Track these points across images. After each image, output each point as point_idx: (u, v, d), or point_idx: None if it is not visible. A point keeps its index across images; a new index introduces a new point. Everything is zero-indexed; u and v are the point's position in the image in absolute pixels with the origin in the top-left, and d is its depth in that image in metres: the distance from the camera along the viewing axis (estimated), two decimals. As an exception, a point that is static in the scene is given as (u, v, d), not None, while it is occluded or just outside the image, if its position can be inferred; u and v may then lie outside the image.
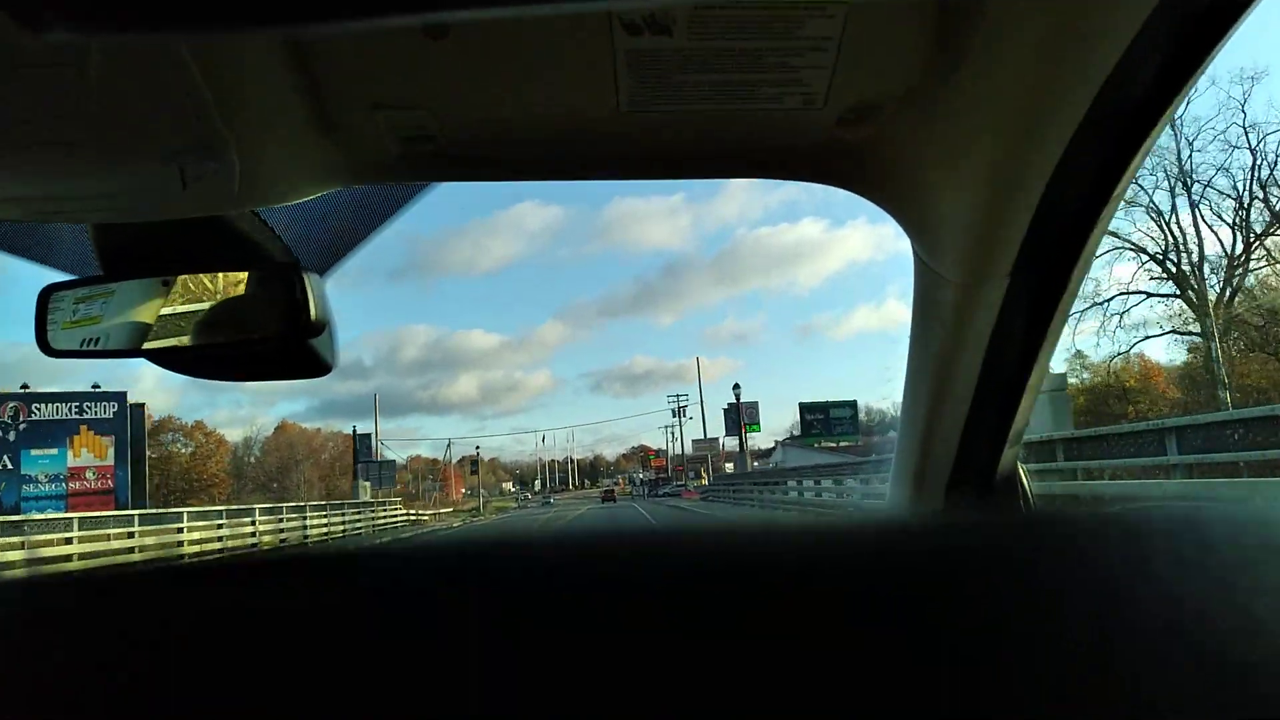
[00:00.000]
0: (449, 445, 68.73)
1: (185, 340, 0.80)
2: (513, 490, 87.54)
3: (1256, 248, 20.98)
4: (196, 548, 14.96)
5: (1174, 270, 21.51)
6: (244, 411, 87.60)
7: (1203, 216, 21.13)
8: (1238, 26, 0.50)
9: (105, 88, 0.50)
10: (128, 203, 0.63)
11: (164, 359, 0.82)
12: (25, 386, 19.35)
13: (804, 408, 40.30)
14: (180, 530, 15.04)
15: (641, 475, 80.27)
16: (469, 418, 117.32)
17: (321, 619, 0.31)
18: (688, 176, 0.72)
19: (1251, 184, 20.62)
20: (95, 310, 0.79)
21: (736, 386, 40.68)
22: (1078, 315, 21.24)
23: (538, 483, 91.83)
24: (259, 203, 0.68)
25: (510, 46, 0.56)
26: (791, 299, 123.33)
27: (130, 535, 13.84)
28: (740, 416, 39.73)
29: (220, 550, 15.12)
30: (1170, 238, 21.54)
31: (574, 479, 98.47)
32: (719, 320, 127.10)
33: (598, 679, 0.27)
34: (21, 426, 18.68)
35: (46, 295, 0.78)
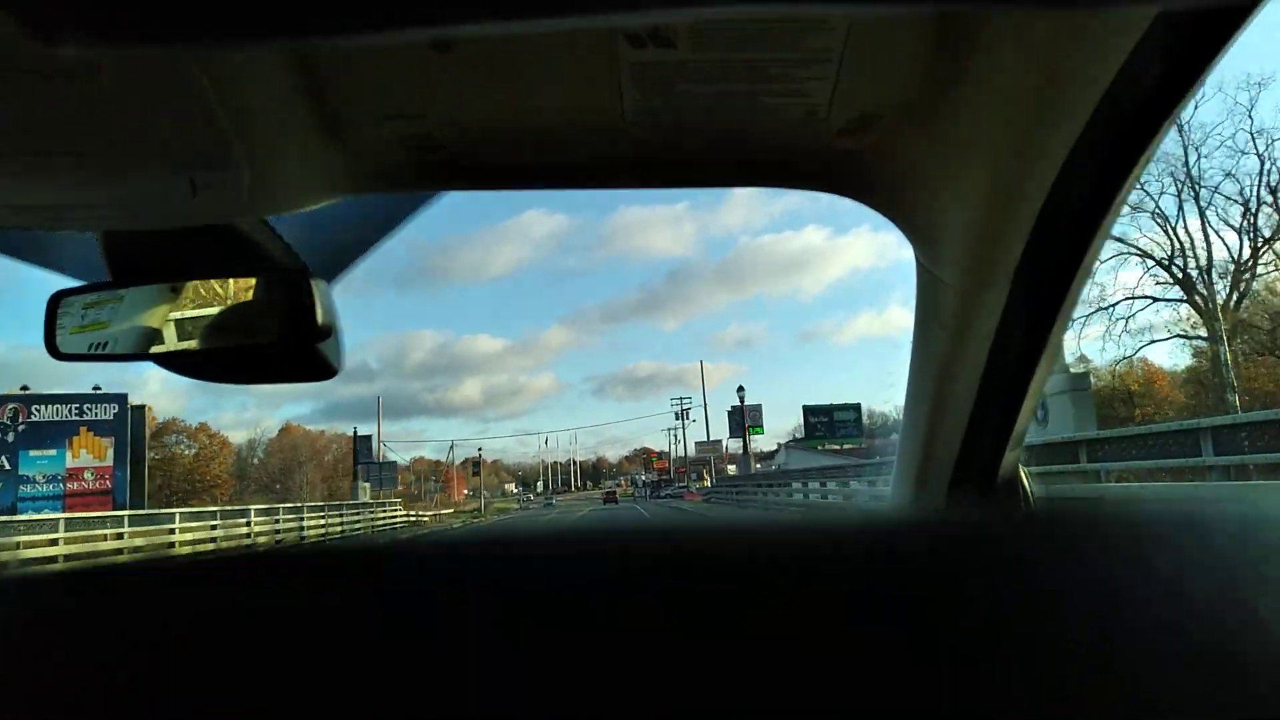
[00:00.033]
0: (451, 447, 68.88)
1: (193, 344, 0.81)
2: (515, 492, 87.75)
3: (1265, 252, 20.96)
4: (189, 549, 14.49)
5: (1180, 275, 21.51)
6: (249, 414, 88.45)
7: (1209, 222, 21.12)
8: (1238, 36, 0.50)
9: (115, 98, 0.51)
10: (137, 211, 0.64)
11: (171, 362, 0.83)
12: (25, 388, 19.42)
13: (808, 410, 40.28)
14: (172, 530, 14.98)
15: (644, 477, 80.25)
16: (473, 420, 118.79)
17: (322, 618, 0.31)
18: (691, 185, 0.73)
19: (1259, 189, 20.64)
20: (104, 315, 0.80)
21: (741, 389, 40.66)
22: (1083, 319, 21.26)
23: (540, 484, 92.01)
24: (267, 211, 0.69)
25: (516, 58, 0.57)
26: (795, 305, 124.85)
27: (119, 535, 13.77)
28: (744, 419, 39.71)
29: (214, 552, 15.01)
30: (1176, 243, 21.56)
31: (576, 481, 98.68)
32: (723, 326, 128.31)
33: (598, 679, 0.27)
34: (21, 428, 18.71)
35: (56, 301, 0.79)
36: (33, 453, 18.76)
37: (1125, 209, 0.62)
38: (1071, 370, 12.68)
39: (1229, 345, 19.57)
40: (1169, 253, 21.62)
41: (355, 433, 35.70)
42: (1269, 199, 20.50)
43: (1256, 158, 20.58)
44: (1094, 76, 0.52)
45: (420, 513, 35.67)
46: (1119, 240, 21.11)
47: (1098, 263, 0.70)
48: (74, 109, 0.51)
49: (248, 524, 17.37)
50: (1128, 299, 21.97)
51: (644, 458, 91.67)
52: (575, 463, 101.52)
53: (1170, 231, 21.63)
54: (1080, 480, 9.40)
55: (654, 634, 0.29)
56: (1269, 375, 21.12)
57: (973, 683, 0.27)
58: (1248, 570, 0.32)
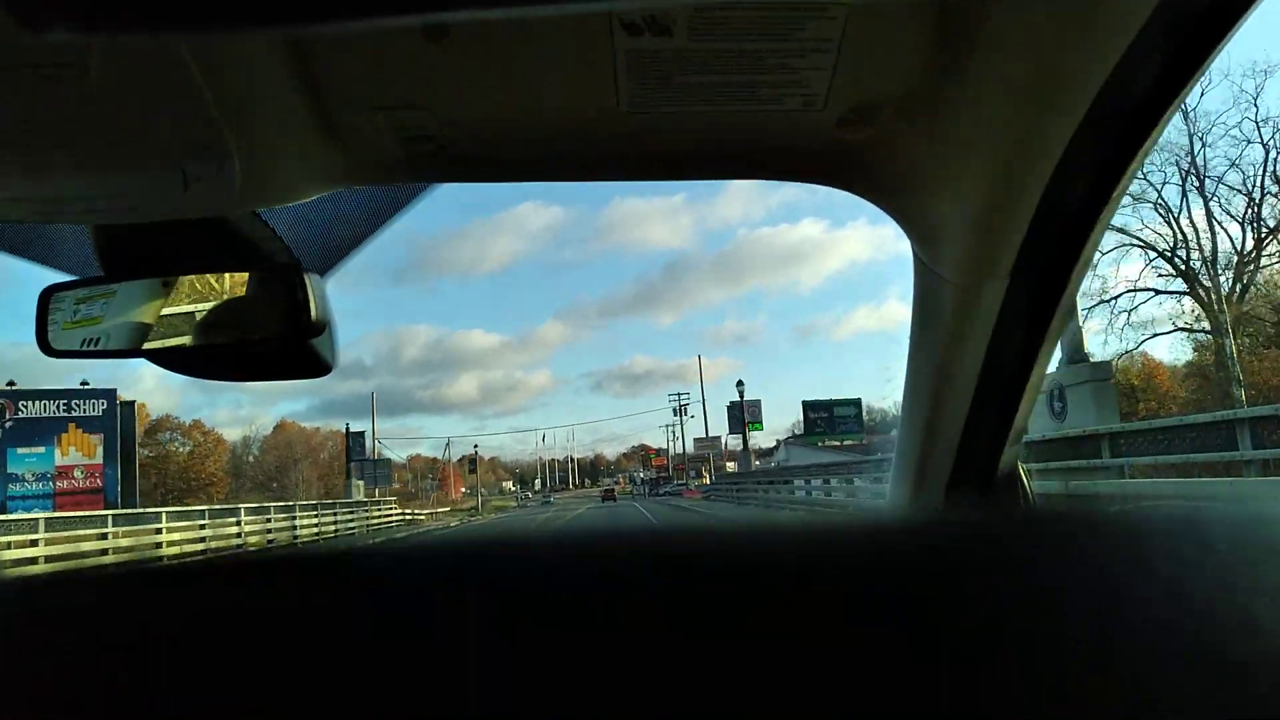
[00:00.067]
0: (448, 444, 68.95)
1: (186, 340, 0.81)
2: (513, 489, 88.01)
3: (1269, 243, 20.97)
4: (176, 549, 14.50)
5: (1182, 267, 21.50)
6: (244, 411, 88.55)
7: (1212, 213, 21.14)
8: (1238, 28, 0.51)
9: (107, 89, 0.51)
10: (129, 204, 0.64)
11: (164, 359, 0.83)
12: (11, 383, 19.35)
13: (808, 405, 40.34)
14: (159, 531, 14.60)
15: (642, 474, 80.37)
16: (469, 417, 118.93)
17: (321, 619, 0.31)
18: (688, 177, 0.73)
19: (1264, 179, 20.61)
20: (96, 311, 0.81)
21: (740, 383, 40.74)
22: (1085, 312, 21.26)
23: (538, 482, 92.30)
24: (260, 204, 0.69)
25: (511, 47, 0.57)
26: (792, 299, 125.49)
27: (104, 536, 13.38)
28: (743, 414, 39.77)
29: (203, 553, 14.60)
30: (1179, 234, 21.52)
31: (574, 478, 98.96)
32: (719, 320, 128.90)
33: (596, 679, 0.28)
34: (8, 424, 18.64)
35: (47, 296, 0.79)
36: (21, 450, 18.70)
37: (1127, 200, 0.63)
38: (1092, 359, 12.01)
39: (1234, 338, 19.61)
40: (1171, 244, 21.59)
41: (348, 429, 35.67)
42: (1274, 189, 20.51)
43: (1261, 147, 20.52)
44: (1093, 70, 0.52)
45: (416, 511, 35.66)
46: (1121, 231, 21.04)
47: (1099, 255, 0.70)
48: (66, 102, 0.51)
49: (238, 524, 17.10)
50: (1130, 291, 21.97)
51: (642, 455, 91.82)
52: (573, 460, 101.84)
53: (1173, 222, 21.59)
54: (1104, 476, 8.91)
55: (653, 633, 0.29)
56: (1273, 369, 21.13)
57: (972, 682, 0.27)
58: (1248, 570, 0.33)
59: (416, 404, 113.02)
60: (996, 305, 0.72)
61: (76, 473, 19.14)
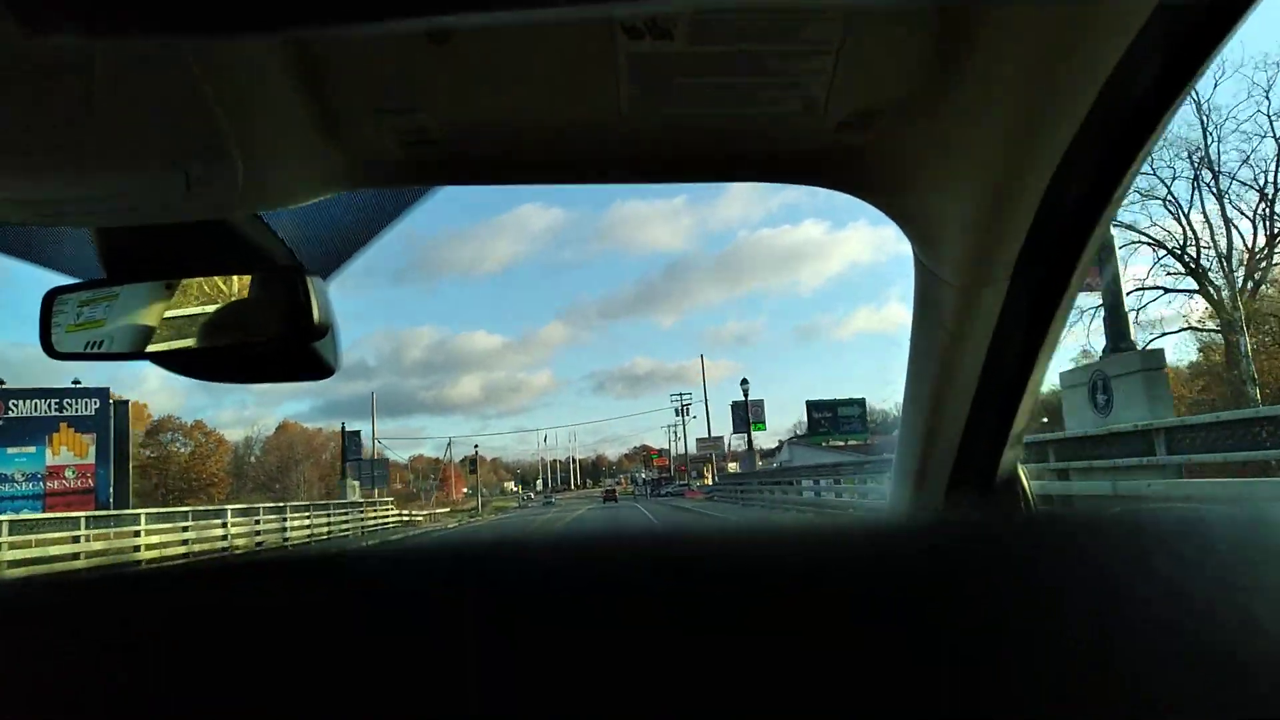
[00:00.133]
0: (449, 444, 69.03)
1: (188, 342, 0.82)
2: (515, 490, 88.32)
3: (1280, 240, 20.89)
4: (155, 553, 14.06)
5: (1192, 265, 21.41)
6: (248, 412, 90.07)
7: (1224, 209, 21.05)
8: (1238, 28, 0.51)
9: (109, 92, 0.52)
10: (131, 206, 0.65)
11: (167, 361, 0.84)
12: (0, 382, 19.33)
13: (811, 405, 40.33)
14: (136, 533, 14.15)
15: (644, 475, 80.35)
16: (471, 418, 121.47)
17: (321, 620, 0.32)
18: (689, 180, 0.74)
19: (1276, 174, 20.51)
20: (99, 313, 0.82)
21: (744, 382, 40.69)
22: (1092, 311, 21.20)
23: (539, 482, 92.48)
24: (262, 206, 0.70)
25: (512, 51, 0.57)
26: (793, 300, 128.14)
27: (75, 539, 12.88)
28: (747, 413, 39.73)
29: (184, 556, 14.27)
30: (1189, 231, 21.43)
31: (576, 479, 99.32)
32: (720, 321, 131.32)
33: (597, 679, 0.28)
34: (-2, 423, 18.70)
35: (51, 298, 0.80)
36: (10, 450, 18.66)
37: (1136, 196, 0.64)
38: (1142, 348, 11.29)
39: (1246, 336, 19.52)
40: (1181, 242, 21.51)
41: (344, 428, 35.63)
42: (1288, 184, 20.41)
43: (1275, 141, 20.44)
44: (1092, 71, 0.53)
45: (415, 512, 35.62)
46: (1129, 228, 20.96)
47: (1107, 254, 0.71)
48: (68, 104, 0.52)
49: (224, 526, 16.68)
50: (1138, 290, 21.84)
51: (644, 455, 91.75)
52: (574, 461, 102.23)
53: (1183, 219, 21.52)
54: (1158, 475, 8.12)
55: (654, 632, 0.29)
56: (1284, 368, 21.09)
57: (973, 683, 0.27)
58: (1247, 571, 0.33)
59: (420, 405, 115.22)
60: (997, 307, 0.73)
61: (68, 473, 19.11)
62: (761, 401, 44.58)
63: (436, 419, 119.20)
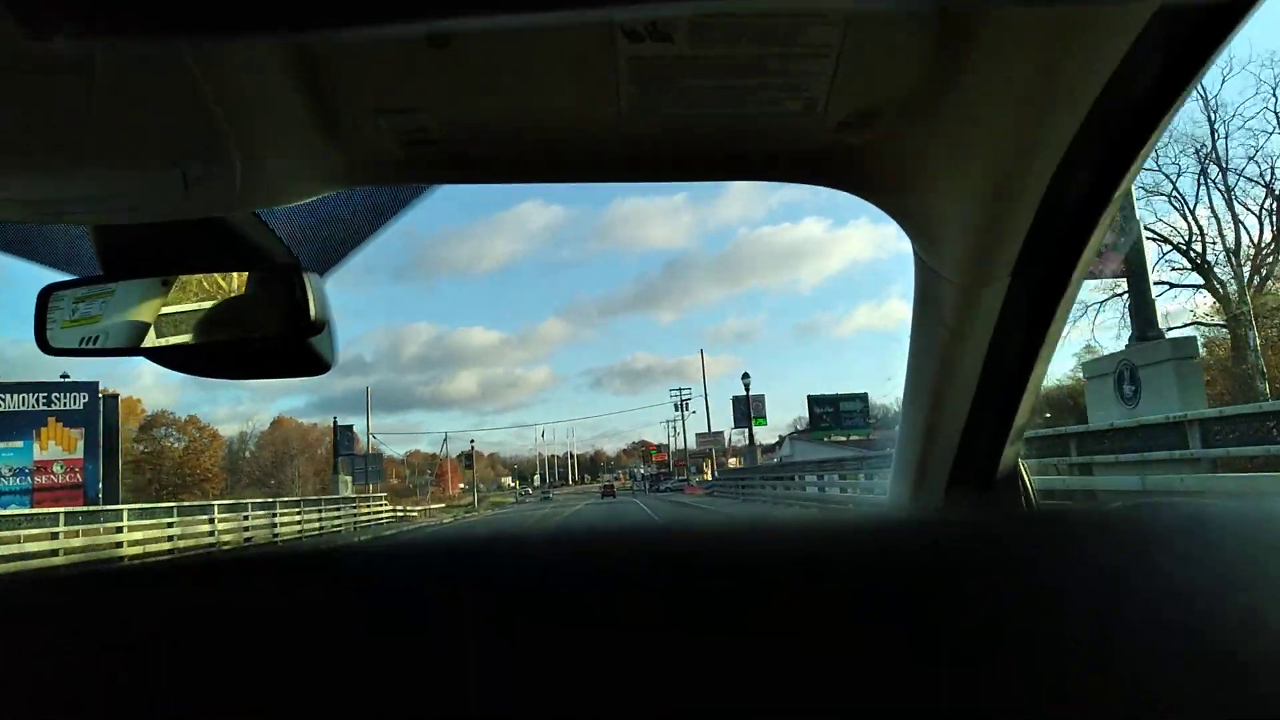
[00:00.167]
0: (445, 439, 69.11)
1: (184, 338, 0.83)
2: (512, 485, 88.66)
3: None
4: (138, 549, 13.92)
5: (1198, 260, 21.39)
6: (243, 408, 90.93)
7: (1227, 205, 21.03)
8: (1239, 29, 0.52)
9: (108, 91, 0.52)
10: (130, 204, 0.66)
11: (163, 357, 0.85)
12: (-11, 377, 19.27)
13: (813, 400, 40.27)
14: (119, 530, 14.02)
15: (642, 470, 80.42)
16: (469, 413, 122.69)
17: (321, 617, 0.32)
18: (688, 179, 0.74)
19: (1283, 169, 20.46)
20: (95, 310, 0.83)
21: (746, 376, 40.66)
22: (1097, 307, 21.17)
23: (537, 478, 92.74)
24: (260, 204, 0.71)
25: (512, 53, 0.58)
26: (793, 297, 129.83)
27: (54, 535, 12.78)
28: (749, 407, 39.74)
29: (169, 553, 14.03)
30: (1195, 227, 21.40)
31: (574, 474, 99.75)
32: (720, 319, 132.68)
33: (597, 678, 0.28)
34: (-17, 418, 18.65)
35: (46, 295, 0.81)
36: (-2, 444, 18.71)
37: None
38: (1173, 336, 10.80)
39: (1249, 331, 19.51)
40: (1186, 238, 21.50)
41: (335, 422, 35.62)
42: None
43: (1281, 137, 20.45)
44: (1093, 72, 0.54)
45: (409, 508, 35.66)
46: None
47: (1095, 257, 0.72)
48: (67, 102, 0.52)
49: (210, 522, 16.56)
50: None
51: (642, 451, 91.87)
52: (572, 456, 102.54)
53: (1189, 215, 21.50)
54: (1191, 470, 7.76)
55: (654, 631, 0.30)
56: (1290, 364, 21.07)
57: (973, 681, 0.27)
58: (1248, 568, 0.33)
59: (417, 400, 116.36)
60: (997, 305, 0.74)
61: (56, 468, 19.06)
62: (762, 397, 44.59)
63: (434, 414, 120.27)
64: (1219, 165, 20.86)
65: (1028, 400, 0.83)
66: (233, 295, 0.84)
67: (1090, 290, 21.31)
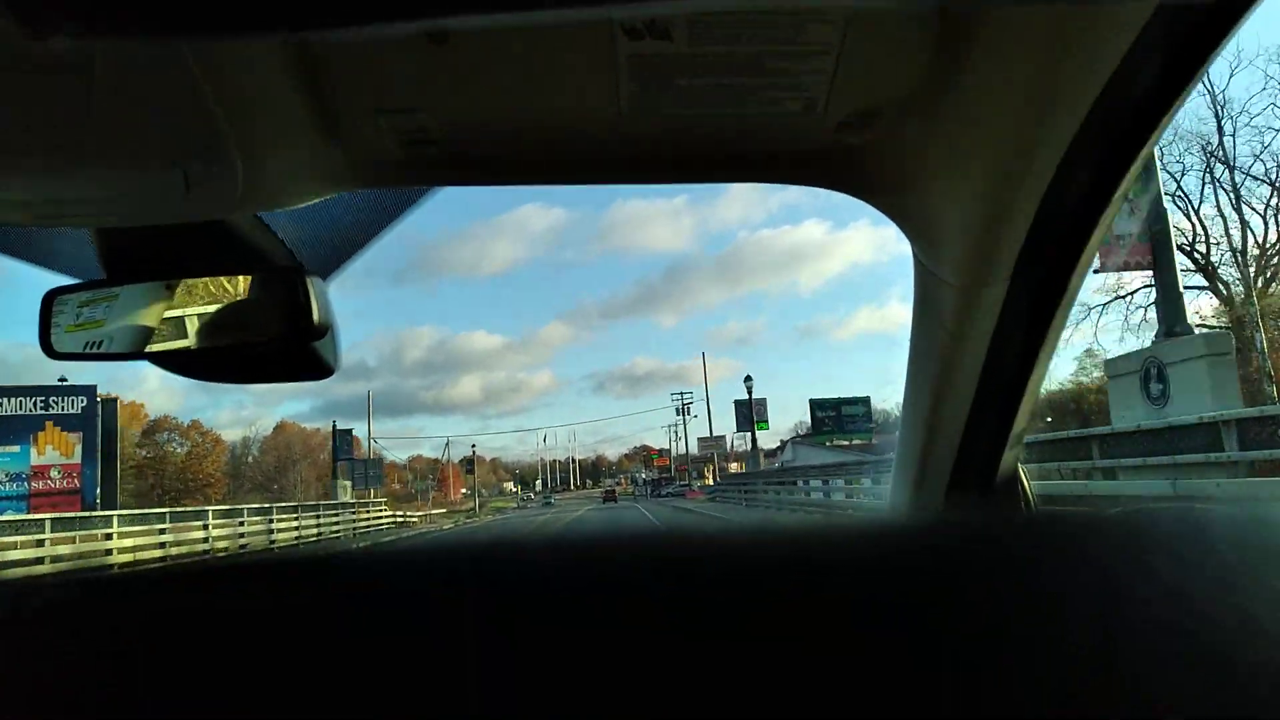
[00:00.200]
0: (447, 444, 69.29)
1: (188, 343, 0.84)
2: (514, 490, 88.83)
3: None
4: (129, 556, 13.71)
5: (1202, 261, 21.34)
6: (246, 412, 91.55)
7: (1234, 204, 20.97)
8: (1236, 30, 0.53)
9: (109, 92, 0.52)
10: (131, 207, 0.66)
11: (166, 361, 0.86)
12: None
13: (815, 404, 40.23)
14: (108, 537, 13.66)
15: (644, 475, 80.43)
16: (471, 418, 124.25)
17: (321, 621, 0.32)
18: (688, 180, 0.75)
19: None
20: (99, 314, 0.83)
21: (749, 379, 40.61)
22: (1100, 309, 21.13)
23: (539, 483, 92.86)
24: (262, 207, 0.72)
25: (512, 51, 0.59)
26: (793, 300, 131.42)
27: (40, 543, 12.44)
28: (752, 411, 39.69)
29: (162, 560, 13.97)
30: (1199, 227, 21.34)
31: (575, 479, 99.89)
32: (721, 322, 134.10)
33: (597, 683, 0.28)
34: (-21, 423, 18.61)
35: (50, 299, 0.82)
36: (-6, 449, 18.66)
37: (1120, 205, 0.64)
38: (1206, 331, 10.17)
39: (1263, 332, 19.44)
40: (1190, 239, 21.38)
41: (334, 427, 35.52)
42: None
43: (1290, 134, 20.39)
44: (1093, 72, 0.54)
45: (409, 513, 35.61)
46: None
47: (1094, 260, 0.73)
48: (68, 104, 0.53)
49: (205, 528, 16.16)
50: (1146, 287, 21.74)
51: (644, 455, 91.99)
52: (574, 461, 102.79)
53: (1193, 214, 21.44)
54: (1227, 473, 7.24)
55: (654, 635, 0.30)
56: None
57: (974, 685, 0.28)
58: (1248, 571, 0.34)
59: (420, 405, 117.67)
60: (997, 307, 0.75)
61: (53, 473, 18.99)
62: (764, 400, 44.58)
63: (436, 419, 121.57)
64: (1225, 163, 20.84)
65: (1027, 403, 0.83)
66: (235, 299, 0.85)
67: (1092, 292, 21.31)
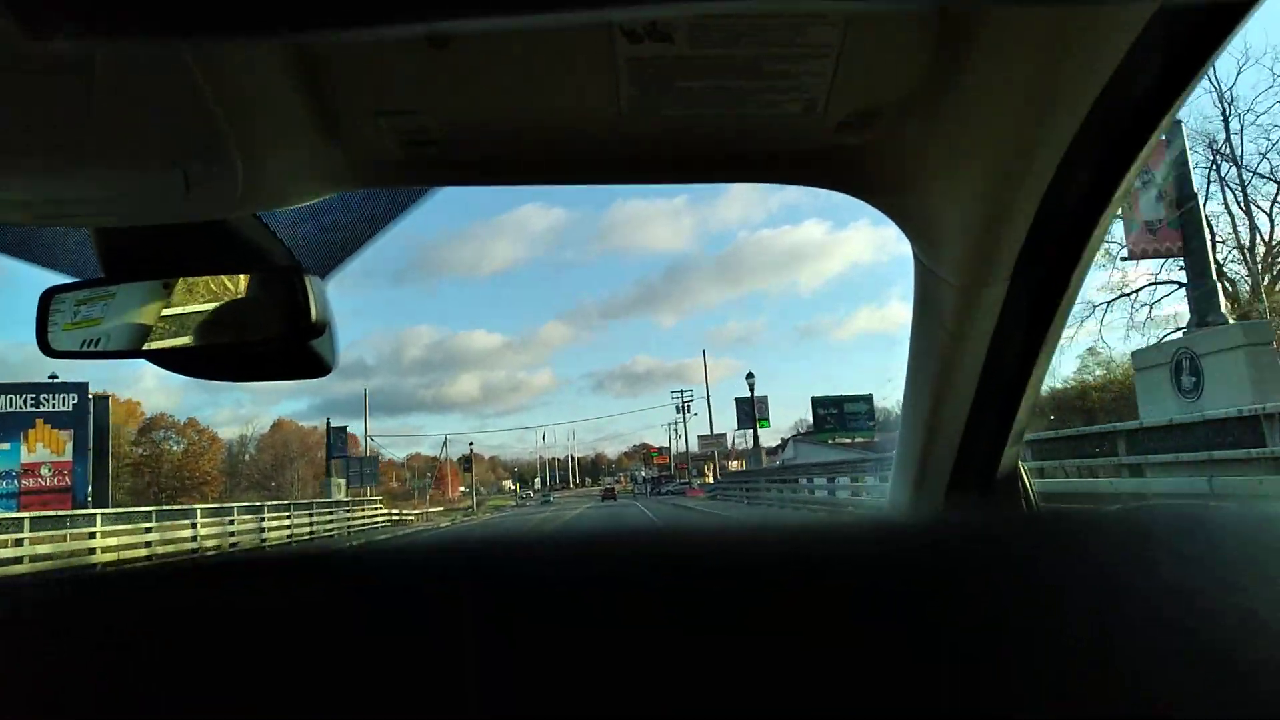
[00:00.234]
0: (445, 442, 69.32)
1: (185, 341, 0.85)
2: (513, 488, 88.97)
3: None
4: (112, 556, 13.55)
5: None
6: (245, 410, 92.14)
7: (1239, 201, 20.93)
8: (1237, 31, 0.53)
9: (109, 92, 0.53)
10: (131, 207, 0.67)
11: (164, 359, 0.86)
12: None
13: (817, 402, 40.18)
14: (91, 536, 13.47)
15: (644, 473, 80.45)
16: (471, 416, 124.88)
17: (320, 618, 0.32)
18: (688, 181, 0.76)
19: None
20: (96, 312, 0.84)
21: (750, 375, 40.57)
22: (1105, 307, 21.09)
23: (538, 481, 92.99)
24: (261, 206, 0.72)
25: (512, 53, 0.59)
26: (794, 300, 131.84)
27: (19, 542, 12.24)
28: (754, 408, 39.67)
29: (148, 559, 13.68)
30: (1207, 224, 21.24)
31: (575, 477, 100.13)
32: (721, 321, 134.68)
33: (596, 678, 0.29)
34: (-31, 421, 18.58)
35: (48, 297, 0.83)
36: (-16, 447, 18.62)
37: (1120, 206, 0.65)
38: (1241, 320, 9.65)
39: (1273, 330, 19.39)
40: (1197, 235, 21.36)
41: (328, 424, 35.44)
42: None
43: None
44: (1093, 72, 0.55)
45: (405, 512, 35.59)
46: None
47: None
48: (68, 104, 0.53)
49: (193, 527, 16.06)
50: (1151, 285, 21.66)
51: (643, 453, 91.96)
52: (573, 459, 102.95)
53: (1199, 211, 21.36)
54: (1269, 470, 6.78)
55: (654, 630, 0.30)
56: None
57: (973, 680, 0.28)
58: (1247, 569, 0.34)
59: (418, 403, 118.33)
60: (997, 307, 0.75)
61: (44, 470, 18.94)
62: (765, 398, 44.55)
63: (435, 417, 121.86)
64: (1232, 160, 20.79)
65: (1028, 402, 0.84)
66: (234, 298, 0.86)
67: (1096, 290, 21.27)
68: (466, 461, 59.71)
